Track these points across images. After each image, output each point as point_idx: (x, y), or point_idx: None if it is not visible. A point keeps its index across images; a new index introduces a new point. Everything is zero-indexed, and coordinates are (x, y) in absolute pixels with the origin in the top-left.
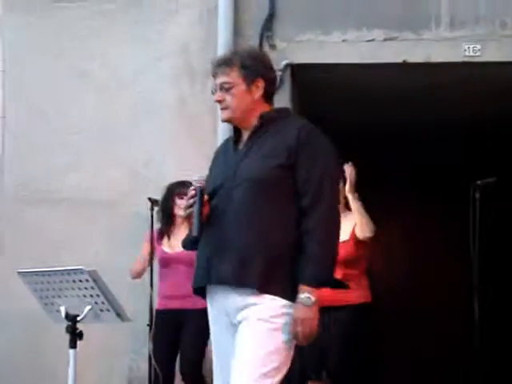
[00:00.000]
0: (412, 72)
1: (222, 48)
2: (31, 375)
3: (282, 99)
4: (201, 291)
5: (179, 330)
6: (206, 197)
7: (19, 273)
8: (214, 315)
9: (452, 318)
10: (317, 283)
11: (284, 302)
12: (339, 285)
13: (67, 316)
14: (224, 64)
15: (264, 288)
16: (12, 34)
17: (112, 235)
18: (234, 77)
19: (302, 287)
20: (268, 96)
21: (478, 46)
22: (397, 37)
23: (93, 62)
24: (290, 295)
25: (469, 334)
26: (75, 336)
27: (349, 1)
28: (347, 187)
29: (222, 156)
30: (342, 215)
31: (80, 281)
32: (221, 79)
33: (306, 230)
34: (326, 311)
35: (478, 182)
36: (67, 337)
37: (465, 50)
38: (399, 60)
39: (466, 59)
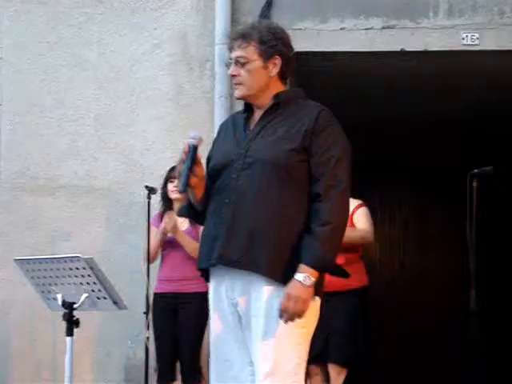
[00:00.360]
0: (410, 60)
1: (220, 36)
2: (27, 363)
3: None
4: (205, 272)
5: (176, 313)
6: (199, 155)
7: (16, 260)
8: (217, 301)
9: (452, 312)
10: (320, 266)
11: None
12: (340, 272)
13: (64, 304)
14: (241, 38)
15: (275, 275)
16: (9, 22)
17: (109, 223)
18: (250, 52)
19: (303, 267)
20: (283, 75)
21: (476, 35)
22: (395, 25)
23: (90, 49)
24: None
25: (467, 328)
26: (72, 324)
27: None
28: None
29: (230, 131)
30: None
31: (77, 268)
32: (236, 53)
33: (317, 212)
34: (326, 296)
35: (475, 171)
36: (64, 324)
37: (463, 39)
38: (397, 48)
39: (464, 48)
